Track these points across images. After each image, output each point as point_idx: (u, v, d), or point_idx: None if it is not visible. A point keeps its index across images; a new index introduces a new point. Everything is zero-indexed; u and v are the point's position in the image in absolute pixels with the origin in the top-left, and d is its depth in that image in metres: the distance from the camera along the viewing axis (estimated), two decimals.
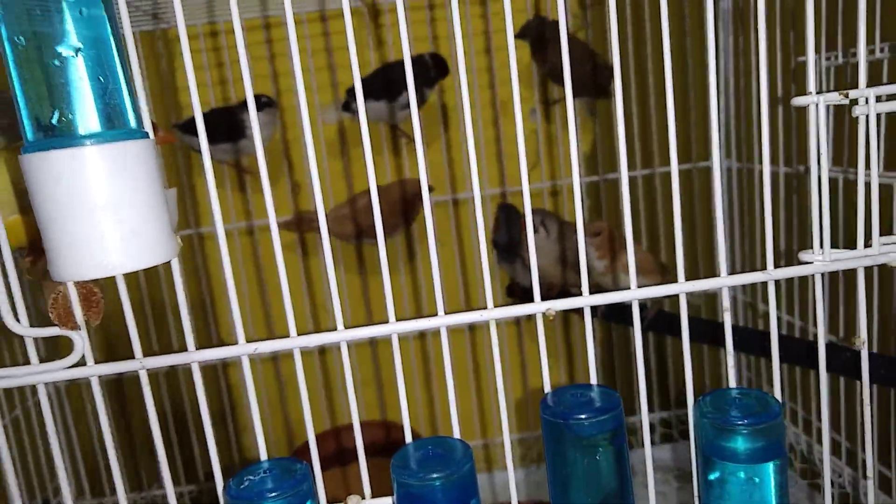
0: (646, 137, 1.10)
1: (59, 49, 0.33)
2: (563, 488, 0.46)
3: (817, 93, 0.46)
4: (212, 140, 1.01)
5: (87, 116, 0.34)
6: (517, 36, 1.05)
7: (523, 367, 1.27)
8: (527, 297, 0.49)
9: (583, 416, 0.43)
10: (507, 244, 1.10)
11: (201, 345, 0.46)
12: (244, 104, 1.01)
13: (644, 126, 1.09)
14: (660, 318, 1.00)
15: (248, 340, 0.46)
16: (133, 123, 0.36)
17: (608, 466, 0.45)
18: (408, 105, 1.03)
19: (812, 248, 0.48)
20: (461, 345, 1.23)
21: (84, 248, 0.35)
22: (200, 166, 1.12)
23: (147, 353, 0.46)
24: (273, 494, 0.42)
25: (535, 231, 0.99)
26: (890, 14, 0.74)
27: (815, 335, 0.66)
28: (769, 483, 0.43)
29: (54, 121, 0.34)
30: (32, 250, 0.48)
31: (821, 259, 0.48)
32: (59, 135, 0.34)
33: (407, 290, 1.22)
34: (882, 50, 0.74)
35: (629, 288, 0.48)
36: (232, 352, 0.46)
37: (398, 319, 0.47)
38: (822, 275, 0.48)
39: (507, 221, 1.11)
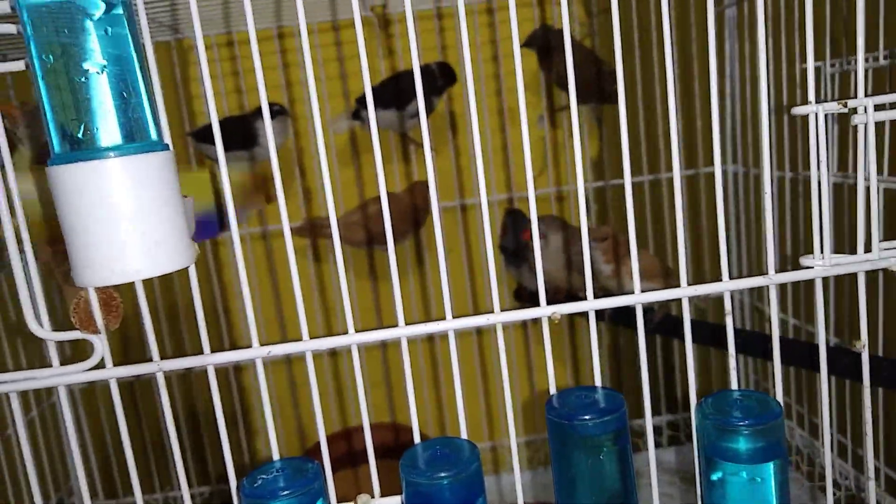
0: (652, 144, 1.11)
1: (85, 66, 0.35)
2: (569, 489, 0.47)
3: (817, 102, 0.47)
4: (225, 148, 1.02)
5: (110, 130, 0.36)
6: (523, 45, 1.06)
7: (530, 371, 1.28)
8: (534, 302, 0.50)
9: (587, 417, 0.44)
10: (515, 249, 1.12)
11: (214, 349, 0.48)
12: (257, 112, 1.03)
13: (650, 132, 1.10)
14: (666, 321, 1.01)
15: (262, 344, 0.48)
16: (154, 136, 0.38)
17: (612, 467, 0.46)
18: (417, 113, 1.04)
19: (813, 253, 0.49)
20: (469, 349, 1.24)
21: (106, 254, 0.37)
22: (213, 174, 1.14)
23: (161, 357, 0.47)
24: (285, 493, 0.43)
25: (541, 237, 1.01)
26: (893, 21, 0.75)
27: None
28: (770, 482, 0.44)
29: (80, 134, 0.35)
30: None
31: (821, 264, 0.49)
32: (84, 147, 0.36)
33: (415, 295, 1.23)
34: (885, 57, 0.75)
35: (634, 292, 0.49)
36: (246, 355, 0.48)
37: (407, 323, 0.48)
38: (824, 279, 0.49)
39: (514, 227, 1.12)
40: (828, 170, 0.54)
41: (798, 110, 0.47)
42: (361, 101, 1.06)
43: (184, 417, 1.15)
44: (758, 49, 0.47)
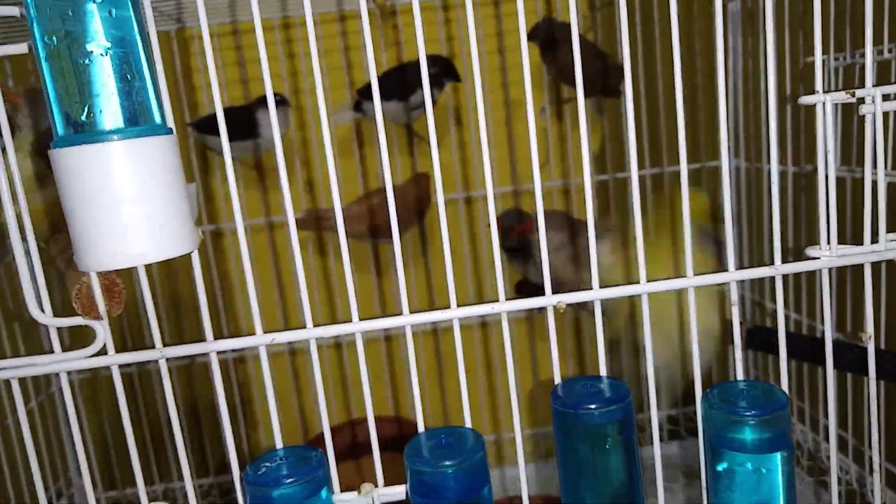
0: (655, 137, 1.10)
1: (89, 48, 0.34)
2: (573, 479, 0.46)
3: (824, 92, 0.47)
4: (228, 138, 1.02)
5: (113, 113, 0.36)
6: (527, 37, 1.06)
7: (534, 365, 1.28)
8: (538, 295, 0.50)
9: (592, 406, 0.44)
10: (515, 245, 1.11)
11: (216, 339, 0.47)
12: (257, 102, 1.03)
13: (653, 125, 1.10)
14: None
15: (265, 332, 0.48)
16: (158, 120, 0.37)
17: (617, 457, 0.45)
18: (419, 105, 1.04)
19: (819, 244, 0.48)
20: (472, 342, 1.24)
21: (109, 238, 0.36)
22: (214, 164, 1.14)
23: (163, 344, 0.47)
24: (289, 480, 0.43)
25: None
26: None
27: (823, 332, 0.66)
28: (776, 473, 0.44)
29: (83, 117, 0.35)
30: None
31: (827, 254, 0.48)
32: (87, 130, 0.35)
33: (417, 287, 1.23)
34: (890, 51, 0.75)
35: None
36: (250, 342, 0.47)
37: (411, 313, 0.48)
38: (829, 270, 0.49)
39: (511, 225, 1.11)
40: (834, 161, 0.54)
41: (806, 100, 0.47)
42: (362, 92, 1.05)
43: (184, 411, 1.15)
44: (762, 43, 0.46)
